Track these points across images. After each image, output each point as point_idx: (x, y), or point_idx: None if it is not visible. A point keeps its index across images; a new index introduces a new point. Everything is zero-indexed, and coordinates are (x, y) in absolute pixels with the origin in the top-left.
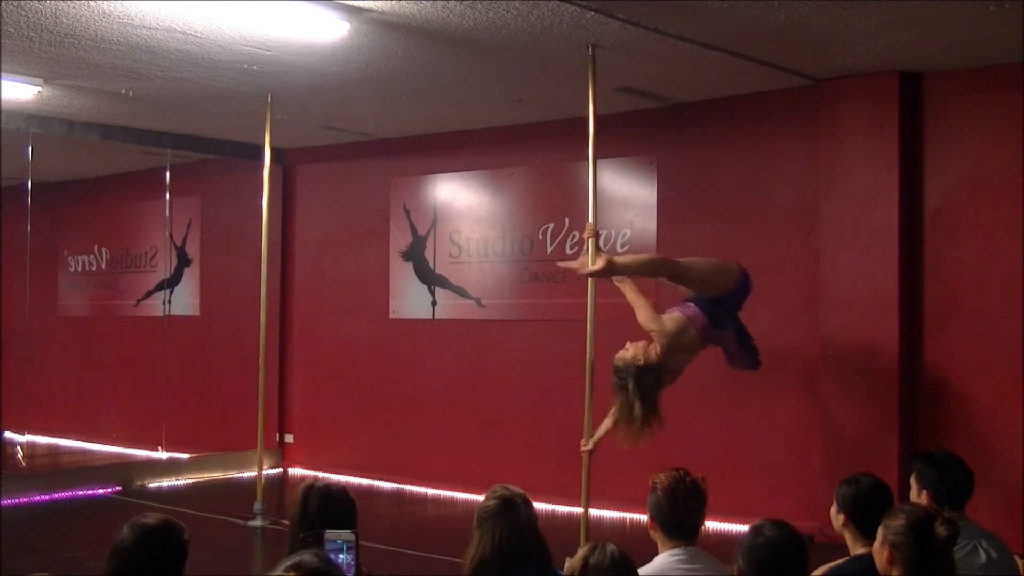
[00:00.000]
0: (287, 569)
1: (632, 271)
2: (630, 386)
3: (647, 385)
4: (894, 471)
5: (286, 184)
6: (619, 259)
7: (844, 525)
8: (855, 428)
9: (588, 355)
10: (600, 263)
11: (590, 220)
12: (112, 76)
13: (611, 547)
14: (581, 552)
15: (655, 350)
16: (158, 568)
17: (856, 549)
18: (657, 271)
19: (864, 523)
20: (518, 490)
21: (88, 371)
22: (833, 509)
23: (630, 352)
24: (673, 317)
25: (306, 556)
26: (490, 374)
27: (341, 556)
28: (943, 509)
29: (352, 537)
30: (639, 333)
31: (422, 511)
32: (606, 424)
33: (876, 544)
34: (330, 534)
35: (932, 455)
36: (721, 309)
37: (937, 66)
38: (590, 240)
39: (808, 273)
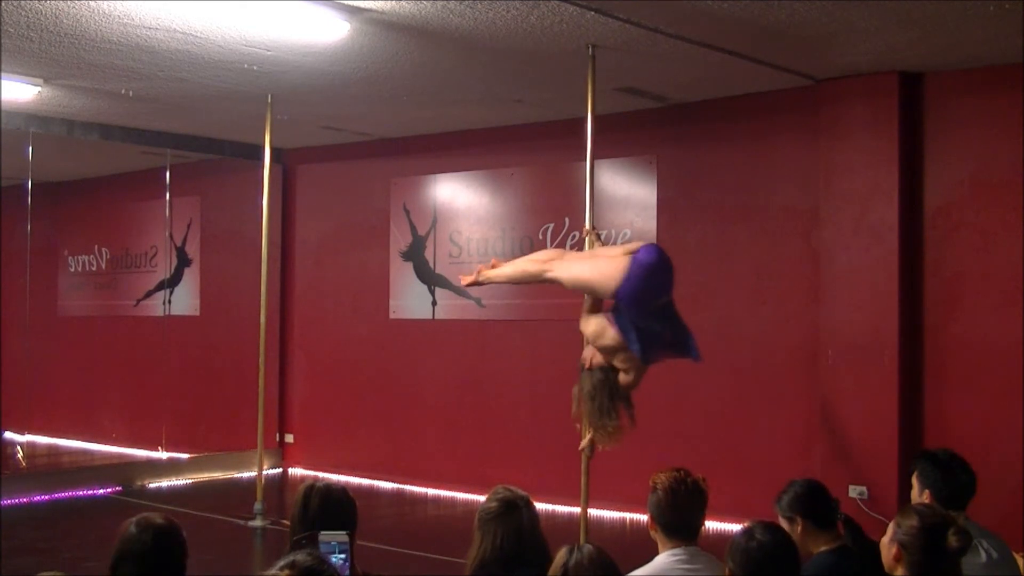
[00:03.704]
0: (281, 568)
1: (504, 281)
2: (582, 388)
3: (592, 386)
4: (894, 471)
5: (286, 184)
6: (490, 273)
7: (803, 530)
8: (855, 428)
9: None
10: (471, 277)
11: (587, 220)
12: (112, 76)
13: (587, 547)
14: (559, 557)
15: (598, 353)
16: (170, 567)
17: (819, 546)
18: (531, 280)
19: (818, 517)
20: (520, 492)
21: (88, 371)
22: (784, 525)
23: (584, 354)
24: (592, 319)
25: (300, 555)
26: (490, 374)
27: (335, 557)
28: (949, 510)
29: (346, 538)
30: None
31: (422, 511)
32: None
33: (885, 539)
34: (324, 535)
35: (936, 455)
36: (627, 309)
37: (937, 66)
38: (588, 241)
39: (808, 273)
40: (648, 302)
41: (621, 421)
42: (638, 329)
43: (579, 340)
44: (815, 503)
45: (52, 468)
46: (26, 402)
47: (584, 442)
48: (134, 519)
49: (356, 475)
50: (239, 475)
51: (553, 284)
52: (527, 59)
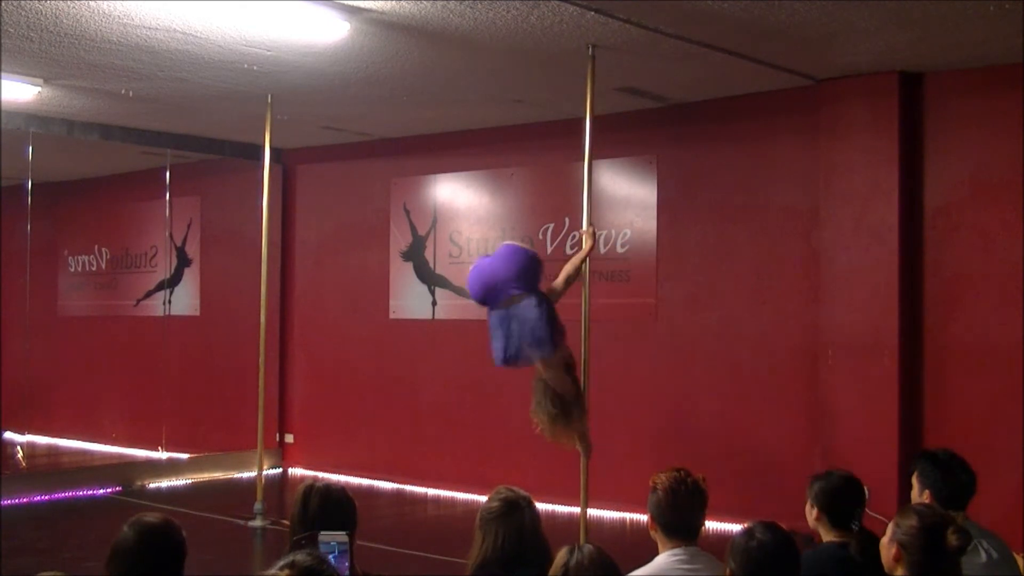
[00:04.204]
0: (281, 568)
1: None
2: None
3: (534, 383)
4: (894, 471)
5: (286, 184)
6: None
7: (818, 519)
8: (855, 428)
9: (583, 354)
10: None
11: (584, 220)
12: (112, 76)
13: (588, 547)
14: (560, 557)
15: None
16: (163, 567)
17: (828, 536)
18: None
19: (835, 514)
20: (522, 492)
21: (88, 371)
22: (808, 505)
23: None
24: None
25: (300, 555)
26: (490, 374)
27: (334, 557)
28: (949, 510)
29: (345, 539)
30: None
31: (422, 511)
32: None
33: (884, 540)
34: (323, 536)
35: (935, 455)
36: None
37: (937, 66)
38: (584, 240)
39: (808, 273)
40: (493, 299)
41: (558, 419)
42: (493, 324)
43: (578, 340)
44: (834, 502)
45: (52, 468)
46: (26, 402)
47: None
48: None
49: (356, 475)
50: (239, 475)
51: None
52: (527, 59)
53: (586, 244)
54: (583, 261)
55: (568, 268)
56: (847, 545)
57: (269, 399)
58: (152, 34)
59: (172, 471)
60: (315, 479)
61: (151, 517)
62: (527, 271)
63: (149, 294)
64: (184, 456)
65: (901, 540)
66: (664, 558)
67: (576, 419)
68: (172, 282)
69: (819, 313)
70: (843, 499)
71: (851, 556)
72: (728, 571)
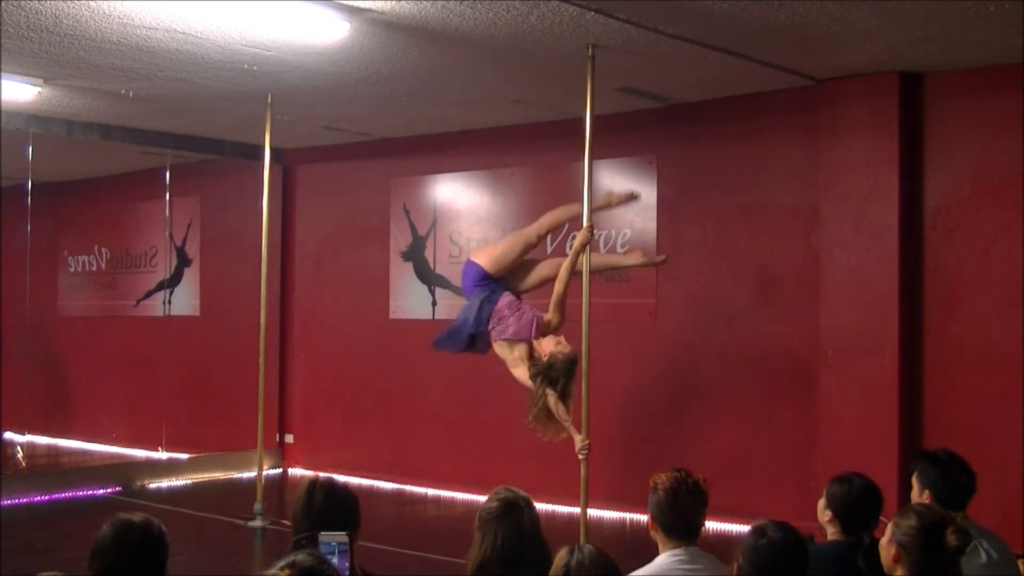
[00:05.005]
0: (282, 568)
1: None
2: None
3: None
4: (894, 471)
5: (286, 184)
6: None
7: (830, 521)
8: (855, 428)
9: (584, 354)
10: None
11: (584, 220)
12: (112, 76)
13: (588, 547)
14: (560, 558)
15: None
16: (142, 564)
17: (836, 536)
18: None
19: (849, 522)
20: (521, 492)
21: (88, 371)
22: (821, 503)
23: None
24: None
25: (300, 555)
26: (490, 374)
27: (334, 558)
28: (949, 510)
29: (345, 539)
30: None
31: (422, 511)
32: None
33: (884, 540)
34: (324, 536)
35: (935, 455)
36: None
37: (937, 66)
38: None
39: (808, 273)
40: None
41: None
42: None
43: (579, 340)
44: (850, 512)
45: (52, 468)
46: (26, 402)
47: (579, 441)
48: None
49: (356, 475)
50: (239, 475)
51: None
52: (527, 59)
53: (578, 239)
54: (576, 260)
55: (561, 275)
56: (854, 545)
57: (269, 399)
58: (152, 34)
59: (172, 471)
60: (317, 476)
61: (129, 515)
62: (471, 280)
63: (149, 294)
64: (184, 456)
65: (901, 540)
66: (664, 558)
67: (534, 404)
68: (172, 282)
69: (819, 313)
70: (859, 509)
71: (855, 561)
72: (736, 567)
